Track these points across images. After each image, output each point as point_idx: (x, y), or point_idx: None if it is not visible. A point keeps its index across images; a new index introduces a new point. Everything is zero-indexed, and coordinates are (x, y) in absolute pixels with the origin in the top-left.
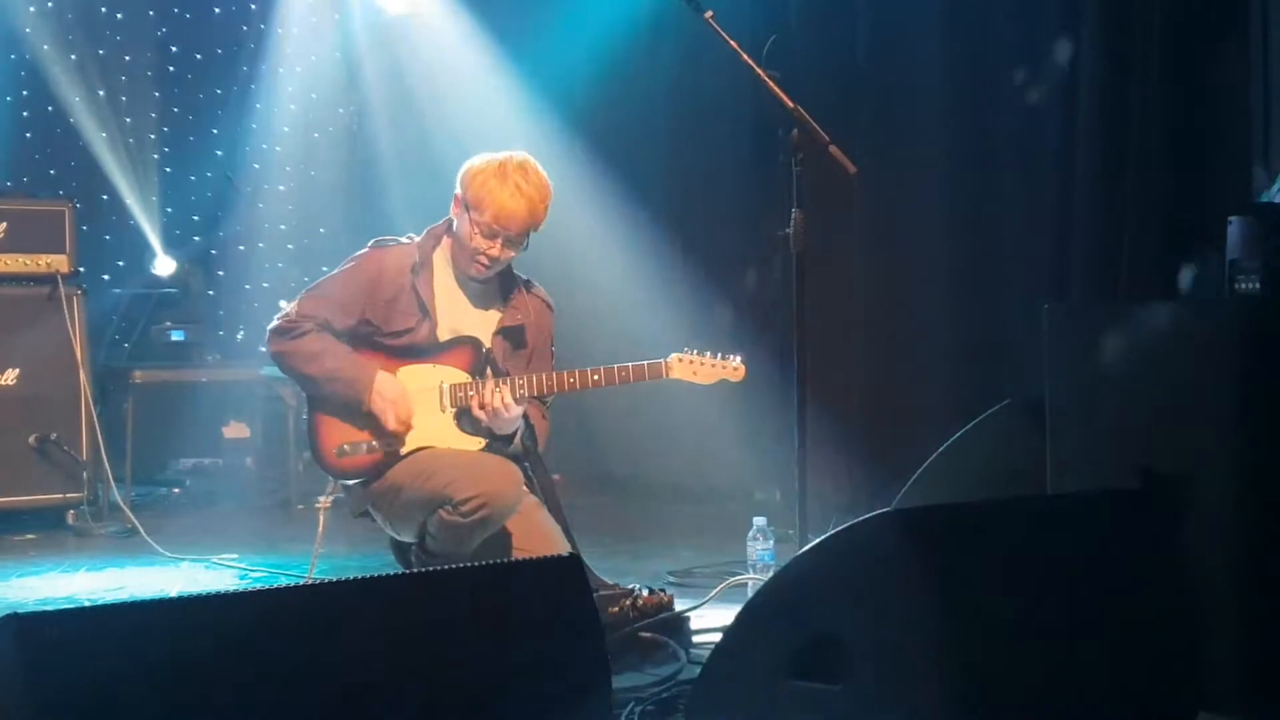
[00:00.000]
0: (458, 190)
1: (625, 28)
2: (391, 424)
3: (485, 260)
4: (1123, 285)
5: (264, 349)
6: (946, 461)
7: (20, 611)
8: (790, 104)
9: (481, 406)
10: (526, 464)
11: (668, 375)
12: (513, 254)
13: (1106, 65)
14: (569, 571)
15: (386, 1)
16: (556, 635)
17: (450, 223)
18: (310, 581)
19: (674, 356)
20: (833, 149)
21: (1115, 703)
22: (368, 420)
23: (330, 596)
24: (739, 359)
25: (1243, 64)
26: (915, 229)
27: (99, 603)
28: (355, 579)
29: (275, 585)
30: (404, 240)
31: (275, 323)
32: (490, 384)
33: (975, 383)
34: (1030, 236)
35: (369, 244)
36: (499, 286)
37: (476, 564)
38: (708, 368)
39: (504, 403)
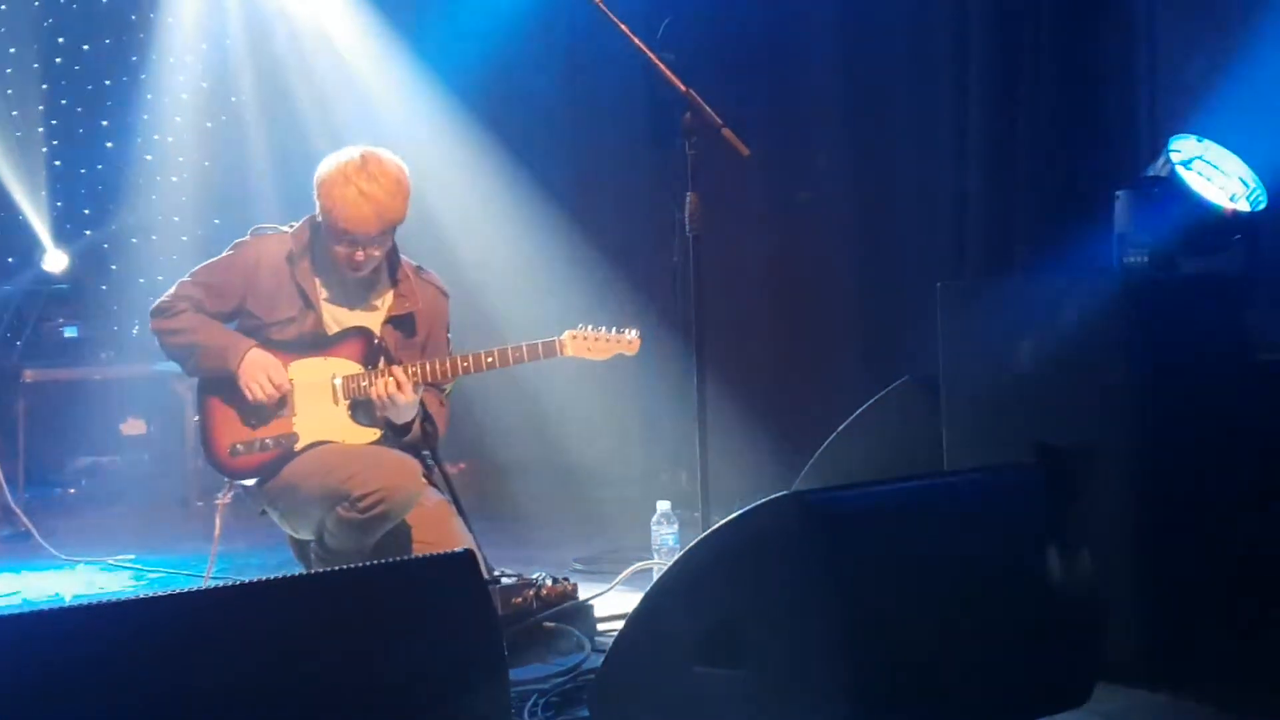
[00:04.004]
0: (315, 195)
1: (519, 10)
2: (265, 391)
3: (350, 265)
4: (1016, 261)
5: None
6: (845, 440)
7: None
8: (683, 87)
9: (378, 396)
10: (426, 453)
11: (562, 353)
12: (378, 252)
13: (996, 43)
14: (462, 567)
15: None
16: (451, 632)
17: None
18: (205, 584)
19: (568, 334)
20: (726, 131)
21: (1015, 677)
22: (260, 417)
23: (221, 601)
24: (634, 331)
25: (1128, 39)
26: (812, 210)
27: None
28: (245, 582)
29: (167, 590)
30: (284, 229)
31: (153, 306)
32: (383, 373)
33: (875, 361)
34: (926, 215)
35: (250, 231)
36: (386, 274)
37: (369, 564)
38: (603, 342)
39: (398, 387)
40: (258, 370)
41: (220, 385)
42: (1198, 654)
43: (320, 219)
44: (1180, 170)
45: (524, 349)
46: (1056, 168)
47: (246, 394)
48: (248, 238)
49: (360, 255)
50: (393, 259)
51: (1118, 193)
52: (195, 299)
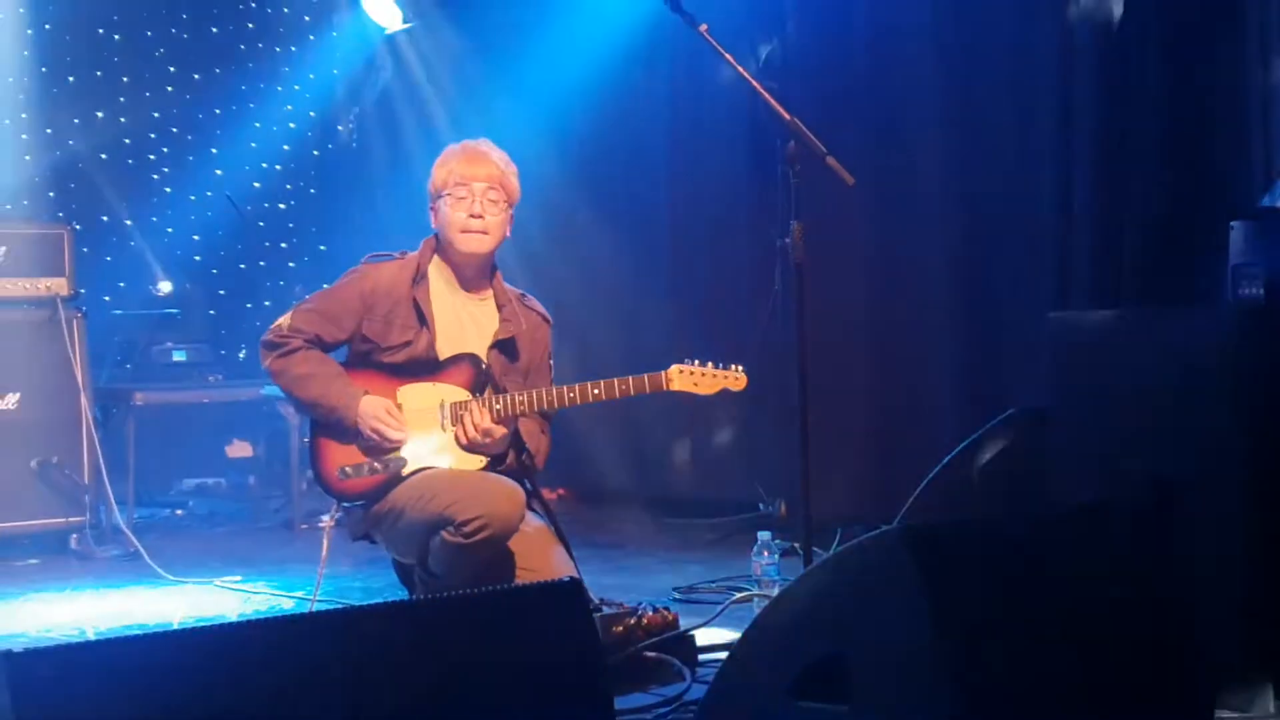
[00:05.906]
0: (430, 187)
1: (622, 40)
2: (390, 438)
3: (468, 215)
4: (1125, 292)
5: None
6: (951, 473)
7: (11, 650)
8: (787, 116)
9: (466, 436)
10: (527, 481)
11: (668, 387)
12: (494, 210)
13: (1103, 69)
14: (569, 597)
15: (383, 18)
16: (557, 662)
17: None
18: (312, 607)
19: (674, 368)
20: (830, 160)
21: (1130, 715)
22: (368, 441)
23: (327, 625)
24: (740, 368)
25: (1239, 64)
26: (915, 238)
27: (92, 638)
28: (351, 607)
29: (276, 614)
30: (398, 255)
31: (267, 335)
32: (469, 415)
33: (979, 392)
34: (1031, 244)
35: (364, 259)
36: (493, 299)
37: (476, 591)
38: (709, 378)
39: (482, 429)
40: (376, 417)
41: None
42: None
43: (436, 203)
44: None
45: (630, 382)
46: (1167, 196)
47: (377, 439)
48: (363, 265)
49: (476, 203)
50: (498, 284)
51: (1233, 223)
52: (311, 333)
